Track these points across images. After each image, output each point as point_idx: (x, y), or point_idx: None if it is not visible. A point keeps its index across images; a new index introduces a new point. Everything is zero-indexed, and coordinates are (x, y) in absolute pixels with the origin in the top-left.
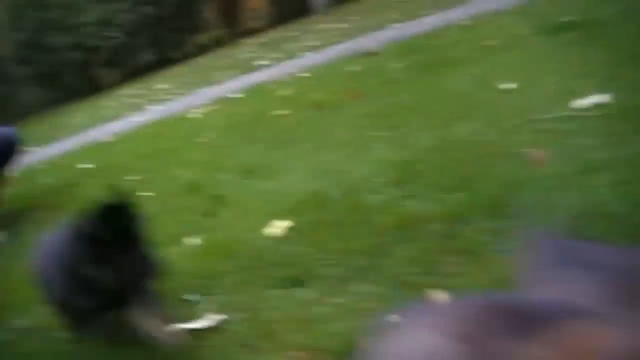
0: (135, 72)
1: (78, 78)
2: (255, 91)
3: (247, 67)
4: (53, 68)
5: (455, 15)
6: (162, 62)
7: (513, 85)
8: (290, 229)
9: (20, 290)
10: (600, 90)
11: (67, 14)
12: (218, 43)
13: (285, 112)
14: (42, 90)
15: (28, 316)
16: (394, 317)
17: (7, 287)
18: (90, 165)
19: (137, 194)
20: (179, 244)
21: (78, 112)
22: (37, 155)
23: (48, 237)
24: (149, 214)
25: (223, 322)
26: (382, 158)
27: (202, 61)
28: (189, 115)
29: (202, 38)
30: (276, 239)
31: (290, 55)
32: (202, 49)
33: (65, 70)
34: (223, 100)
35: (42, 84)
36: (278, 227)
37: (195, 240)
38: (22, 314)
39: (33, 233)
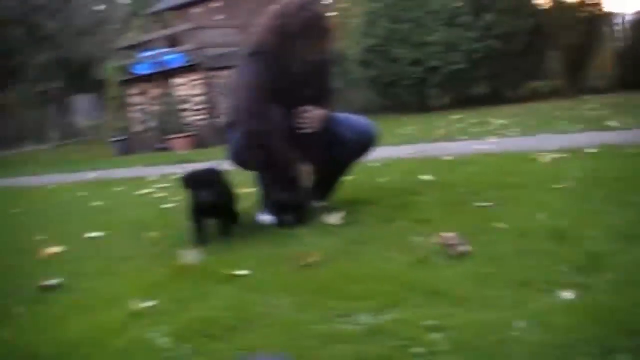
0: (465, 101)
1: (410, 93)
2: (611, 150)
3: (595, 124)
4: (390, 78)
5: None
6: (494, 98)
7: None
8: None
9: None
10: None
11: (416, 30)
12: (554, 93)
13: None
14: (375, 95)
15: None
16: None
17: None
18: (430, 178)
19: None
20: (546, 292)
21: (409, 124)
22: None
23: None
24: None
25: None
26: None
27: (540, 107)
28: (533, 157)
29: (540, 84)
30: None
31: None
32: (536, 95)
33: (400, 82)
34: (572, 151)
35: (376, 90)
36: None
37: (566, 294)
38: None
39: (372, 225)
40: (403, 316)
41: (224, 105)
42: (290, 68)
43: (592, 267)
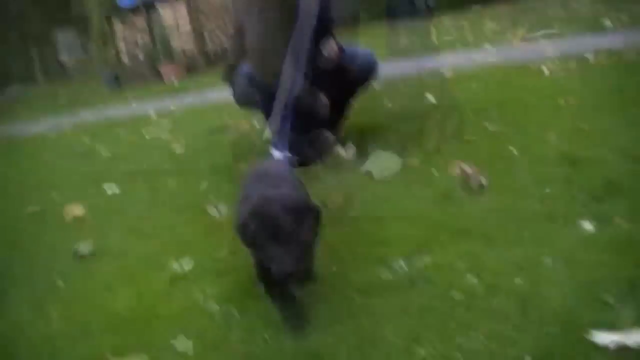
0: (453, 3)
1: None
2: (614, 57)
3: (591, 25)
4: None
5: None
6: None
7: None
8: None
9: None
10: None
11: None
12: None
13: None
14: (358, 5)
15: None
16: None
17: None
18: (433, 99)
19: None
20: (568, 225)
21: (401, 34)
22: None
23: None
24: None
25: None
26: None
27: (532, 4)
28: (534, 68)
29: None
30: None
31: None
32: None
33: None
34: (573, 60)
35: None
36: None
37: (587, 226)
38: (413, 256)
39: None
40: (437, 259)
41: (211, 29)
42: (293, 5)
43: (607, 193)
